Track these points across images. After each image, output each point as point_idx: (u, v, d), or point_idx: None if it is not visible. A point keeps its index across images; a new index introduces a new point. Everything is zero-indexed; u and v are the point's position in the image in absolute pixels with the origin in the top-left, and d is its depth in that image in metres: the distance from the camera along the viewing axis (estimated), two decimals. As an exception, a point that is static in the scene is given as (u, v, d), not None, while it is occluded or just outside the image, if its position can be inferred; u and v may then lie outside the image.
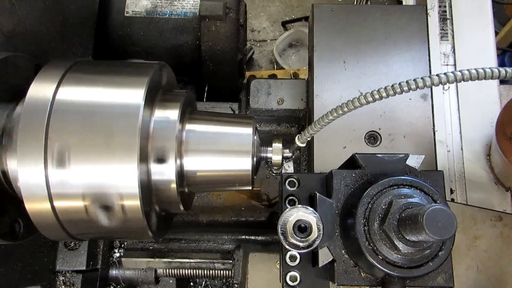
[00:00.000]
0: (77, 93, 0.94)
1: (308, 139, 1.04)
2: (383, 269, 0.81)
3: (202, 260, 1.43)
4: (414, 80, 0.82)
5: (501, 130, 1.14)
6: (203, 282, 1.83)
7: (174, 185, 0.98)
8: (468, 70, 0.80)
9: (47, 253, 1.22)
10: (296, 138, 1.07)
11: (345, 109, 0.90)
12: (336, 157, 1.26)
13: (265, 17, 3.43)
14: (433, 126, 1.30)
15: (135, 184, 0.88)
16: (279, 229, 0.86)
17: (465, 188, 1.27)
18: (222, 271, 1.43)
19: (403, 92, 0.83)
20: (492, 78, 0.80)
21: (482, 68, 0.80)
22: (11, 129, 0.98)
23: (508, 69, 0.79)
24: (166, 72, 1.11)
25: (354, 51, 1.35)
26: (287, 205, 0.98)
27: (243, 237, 1.43)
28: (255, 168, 1.08)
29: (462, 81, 0.80)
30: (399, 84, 0.83)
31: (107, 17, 1.49)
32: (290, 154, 1.15)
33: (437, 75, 0.81)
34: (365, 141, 1.28)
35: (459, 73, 0.80)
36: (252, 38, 3.35)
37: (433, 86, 1.16)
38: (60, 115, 0.90)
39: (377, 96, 0.85)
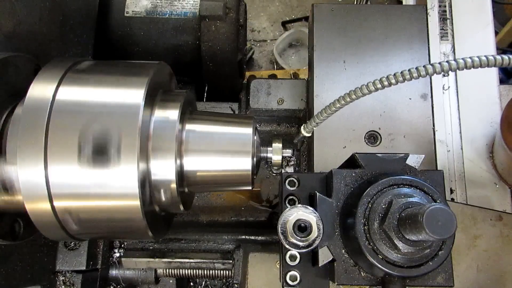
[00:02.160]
0: (77, 93, 0.94)
1: (314, 128, 1.04)
2: (383, 268, 0.81)
3: (202, 260, 1.43)
4: (432, 64, 0.82)
5: (506, 124, 1.14)
6: (203, 282, 1.83)
7: (174, 185, 0.97)
8: (464, 58, 0.80)
9: (47, 253, 1.22)
10: (302, 127, 1.06)
11: (353, 96, 0.90)
12: (336, 157, 1.26)
13: (265, 17, 3.44)
14: (433, 126, 1.30)
15: (135, 184, 0.88)
16: (279, 228, 0.86)
17: (465, 187, 1.27)
18: (222, 271, 1.43)
19: (412, 79, 0.84)
20: (490, 66, 0.80)
21: (480, 56, 0.79)
22: (11, 128, 0.98)
23: (506, 56, 0.79)
24: (166, 72, 1.11)
25: (354, 51, 1.35)
26: (287, 204, 0.98)
27: (243, 237, 1.43)
28: (255, 168, 1.08)
29: (458, 70, 0.80)
30: (409, 70, 0.84)
31: (107, 17, 1.49)
32: (290, 154, 1.15)
33: (439, 63, 0.81)
34: (365, 141, 1.29)
35: (457, 62, 0.80)
36: (252, 38, 3.35)
37: (433, 86, 1.16)
38: (60, 115, 0.90)
39: (386, 83, 0.86)
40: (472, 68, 0.80)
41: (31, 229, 1.06)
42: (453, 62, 0.80)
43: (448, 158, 1.30)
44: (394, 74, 0.85)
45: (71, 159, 0.88)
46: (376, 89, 0.87)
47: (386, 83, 0.86)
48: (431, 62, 0.82)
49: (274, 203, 1.54)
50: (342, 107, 0.94)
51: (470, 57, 0.80)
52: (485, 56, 0.79)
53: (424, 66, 0.82)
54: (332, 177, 0.94)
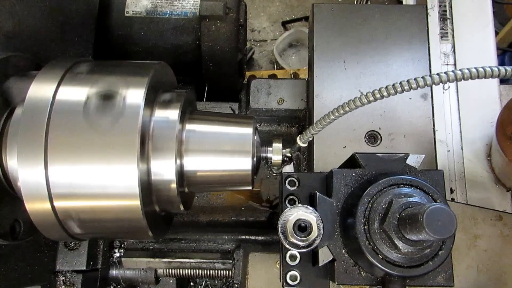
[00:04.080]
0: (77, 93, 0.94)
1: (310, 139, 1.05)
2: (383, 268, 0.81)
3: (202, 260, 1.43)
4: (415, 79, 0.82)
5: (501, 129, 1.14)
6: (203, 282, 1.83)
7: (174, 185, 0.97)
8: (468, 69, 0.80)
9: (47, 253, 1.22)
10: (298, 138, 1.07)
11: (346, 108, 0.91)
12: (336, 156, 1.26)
13: (265, 17, 3.44)
14: (433, 125, 1.30)
15: (135, 184, 0.88)
16: (279, 228, 0.86)
17: (465, 187, 1.27)
18: (222, 271, 1.43)
19: (404, 91, 0.84)
20: (492, 77, 0.80)
21: (482, 67, 0.80)
22: (11, 129, 0.98)
23: (508, 68, 0.79)
24: (166, 72, 1.11)
25: (354, 50, 1.35)
26: (287, 204, 0.98)
27: (243, 237, 1.43)
28: (255, 168, 1.08)
29: (462, 80, 0.80)
30: (400, 83, 0.84)
31: (107, 17, 1.49)
32: (290, 154, 1.15)
33: (438, 74, 0.81)
34: (365, 140, 1.28)
35: (459, 72, 0.80)
36: (252, 38, 3.35)
37: (433, 86, 1.16)
38: (60, 115, 0.90)
39: (378, 95, 0.86)
40: (470, 79, 0.81)
41: (31, 229, 1.06)
42: (458, 72, 0.80)
43: (448, 158, 1.30)
44: (386, 87, 0.85)
45: (71, 159, 0.88)
46: (369, 102, 0.88)
47: (378, 95, 0.86)
48: (432, 73, 0.82)
49: (274, 203, 1.54)
50: (337, 119, 0.94)
51: (476, 68, 0.80)
52: (489, 67, 0.79)
53: (429, 76, 0.82)
54: (332, 177, 0.94)
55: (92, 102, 0.93)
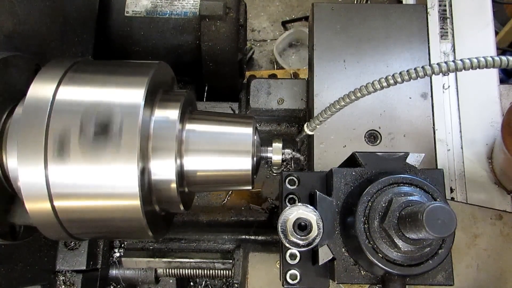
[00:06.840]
0: (77, 93, 0.94)
1: (318, 126, 1.04)
2: (383, 267, 0.81)
3: (202, 260, 1.43)
4: (432, 65, 0.84)
5: (507, 129, 1.13)
6: (203, 282, 1.83)
7: (174, 185, 0.97)
8: (467, 59, 0.80)
9: (47, 253, 1.22)
10: (305, 125, 1.07)
11: (358, 94, 0.91)
12: (336, 156, 1.26)
13: (265, 17, 3.44)
14: (433, 125, 1.30)
15: (135, 184, 0.88)
16: (279, 227, 0.86)
17: (465, 187, 1.27)
18: (222, 271, 1.43)
19: (418, 78, 0.85)
20: (491, 66, 0.80)
21: (481, 57, 0.80)
22: (11, 128, 0.98)
23: (507, 58, 0.79)
24: (166, 72, 1.11)
25: (354, 50, 1.35)
26: (287, 203, 0.98)
27: (243, 237, 1.43)
28: (255, 168, 1.08)
29: (463, 70, 0.80)
30: (414, 69, 0.85)
31: (107, 17, 1.49)
32: (290, 155, 1.15)
33: (446, 62, 0.81)
34: (365, 140, 1.28)
35: (459, 62, 0.80)
36: (252, 38, 3.35)
37: (434, 85, 1.16)
38: (60, 115, 0.90)
39: (391, 81, 0.87)
40: (471, 69, 0.81)
41: (31, 229, 1.06)
42: (452, 63, 0.80)
43: (448, 157, 1.30)
44: (407, 71, 0.85)
45: (71, 158, 0.88)
46: (382, 87, 0.88)
47: (392, 81, 0.86)
48: (433, 63, 0.83)
49: (268, 206, 1.53)
50: (347, 105, 0.95)
51: (470, 58, 0.80)
52: (483, 57, 0.80)
53: (429, 66, 0.83)
54: (332, 176, 0.94)
55: (92, 102, 0.93)
